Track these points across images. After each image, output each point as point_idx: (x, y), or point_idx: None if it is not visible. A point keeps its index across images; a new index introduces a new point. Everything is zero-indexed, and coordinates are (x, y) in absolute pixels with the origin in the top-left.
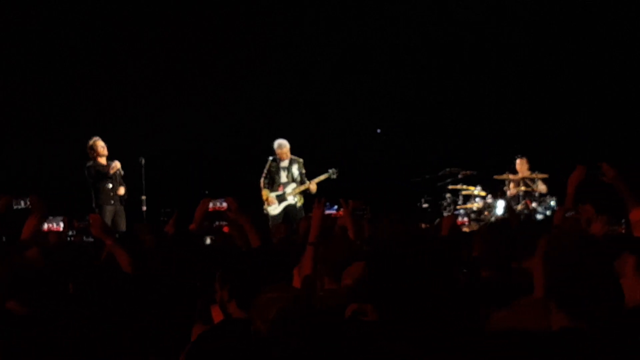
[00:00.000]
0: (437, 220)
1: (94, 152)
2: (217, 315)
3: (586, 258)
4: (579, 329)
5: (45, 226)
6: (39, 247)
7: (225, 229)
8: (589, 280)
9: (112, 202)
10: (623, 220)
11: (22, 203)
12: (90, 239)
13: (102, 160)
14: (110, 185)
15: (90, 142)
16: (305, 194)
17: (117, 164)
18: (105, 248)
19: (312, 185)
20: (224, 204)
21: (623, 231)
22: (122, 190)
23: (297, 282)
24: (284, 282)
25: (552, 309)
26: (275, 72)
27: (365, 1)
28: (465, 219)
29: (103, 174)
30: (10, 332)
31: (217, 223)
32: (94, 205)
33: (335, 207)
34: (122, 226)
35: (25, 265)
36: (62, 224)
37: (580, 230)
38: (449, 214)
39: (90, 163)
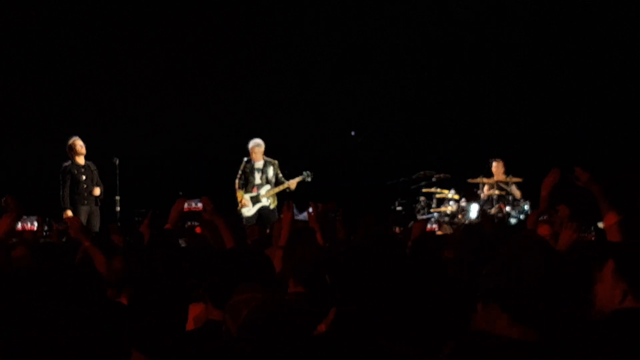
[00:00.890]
0: (411, 223)
1: (72, 152)
2: (194, 313)
3: (552, 267)
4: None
5: (19, 225)
6: (27, 246)
7: (198, 230)
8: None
9: (86, 202)
10: (593, 228)
11: None
12: (64, 240)
13: (80, 160)
14: (85, 186)
15: (70, 142)
16: (280, 194)
17: (67, 214)
18: (80, 249)
19: (292, 184)
20: (200, 205)
21: (593, 238)
22: (97, 191)
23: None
24: (256, 283)
25: (496, 313)
26: (253, 74)
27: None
28: (435, 225)
29: (77, 176)
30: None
31: (189, 223)
32: (63, 205)
33: (310, 210)
34: (97, 226)
35: (12, 265)
36: (36, 223)
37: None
38: (423, 217)
39: (67, 163)
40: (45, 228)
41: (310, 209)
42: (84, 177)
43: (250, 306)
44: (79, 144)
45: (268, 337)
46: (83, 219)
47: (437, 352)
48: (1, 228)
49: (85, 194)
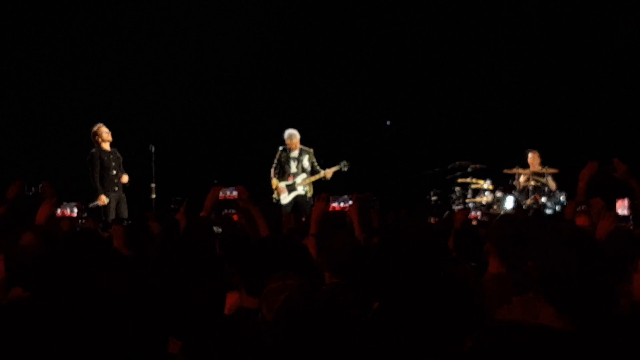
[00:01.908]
0: (446, 213)
1: (98, 138)
2: (230, 301)
3: (590, 256)
4: (565, 327)
5: (59, 211)
6: (35, 232)
7: (235, 218)
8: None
9: (116, 189)
10: (631, 217)
11: (34, 189)
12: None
13: (106, 146)
14: (114, 172)
15: (94, 128)
16: (316, 183)
17: (103, 199)
18: (116, 235)
19: (328, 174)
20: (235, 193)
21: (631, 227)
22: (125, 178)
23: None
24: (291, 272)
25: (542, 304)
26: (287, 63)
27: None
28: (478, 213)
29: (107, 163)
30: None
31: (225, 211)
32: (97, 191)
33: (350, 200)
34: (125, 213)
35: (22, 253)
36: (75, 210)
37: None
38: (458, 207)
39: (93, 150)
40: (85, 214)
41: (351, 200)
42: (113, 164)
43: (286, 293)
44: (105, 131)
45: (303, 323)
46: (112, 205)
47: (461, 344)
48: (41, 214)
49: (115, 181)
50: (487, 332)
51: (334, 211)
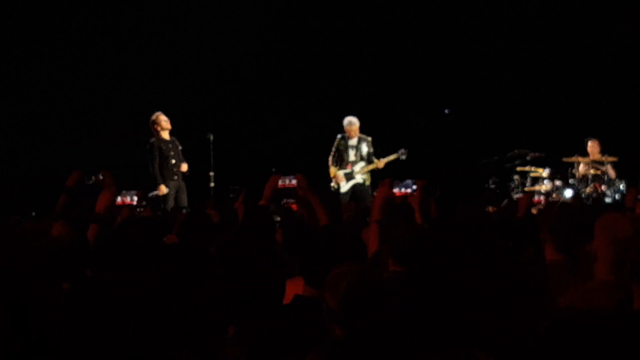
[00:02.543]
0: (505, 202)
1: (157, 127)
2: (290, 290)
3: None
4: None
5: (119, 199)
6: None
7: (294, 207)
8: None
9: (175, 177)
10: None
11: (93, 178)
12: (159, 213)
13: (165, 135)
14: (174, 161)
15: (153, 117)
16: (374, 170)
17: (162, 189)
18: (176, 223)
19: (380, 163)
20: (294, 181)
21: None
22: (185, 167)
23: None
24: (352, 261)
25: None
26: (346, 51)
27: None
28: (542, 197)
29: (166, 152)
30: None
31: (284, 201)
32: (157, 180)
33: (414, 187)
34: (185, 202)
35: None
36: (135, 198)
37: None
38: (517, 196)
39: (152, 139)
40: (144, 203)
41: (415, 186)
42: (172, 153)
43: (349, 279)
44: (164, 119)
45: (369, 310)
46: (171, 194)
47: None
48: (101, 203)
49: (174, 170)
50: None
51: (398, 197)
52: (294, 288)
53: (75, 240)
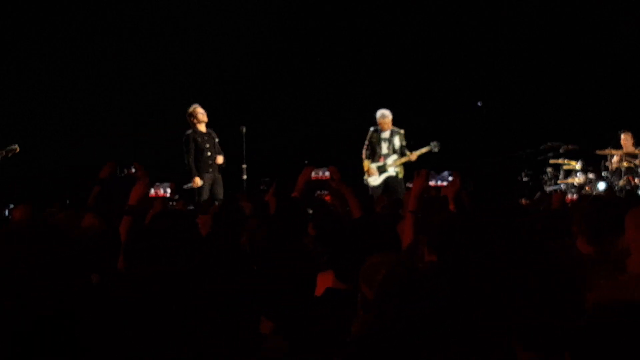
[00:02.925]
0: (538, 194)
1: (193, 119)
2: (321, 283)
3: None
4: None
5: (152, 192)
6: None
7: (327, 198)
8: None
9: (211, 170)
10: None
11: (126, 170)
12: (191, 207)
13: (202, 127)
14: (209, 154)
15: (190, 109)
16: (407, 164)
17: (197, 181)
18: (208, 215)
19: (413, 156)
20: (327, 173)
21: None
22: (220, 159)
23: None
24: (386, 253)
25: None
26: (379, 44)
27: None
28: (575, 196)
29: (201, 144)
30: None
31: (318, 192)
32: (191, 173)
33: (450, 177)
34: (220, 194)
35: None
36: (169, 190)
37: None
38: (550, 188)
39: (189, 132)
40: (176, 196)
41: (451, 177)
42: (207, 145)
43: (385, 269)
44: (200, 112)
45: (405, 299)
46: (207, 186)
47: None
48: (134, 195)
49: (210, 162)
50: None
51: (433, 189)
52: (324, 281)
53: (104, 231)
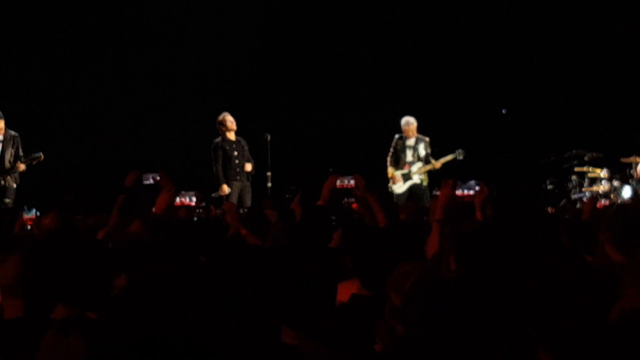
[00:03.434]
0: (563, 202)
1: (223, 127)
2: (344, 291)
3: None
4: None
5: (178, 200)
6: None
7: (354, 206)
8: None
9: (239, 177)
10: None
11: (151, 178)
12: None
13: (231, 136)
14: (237, 161)
15: (220, 118)
16: (431, 172)
17: (224, 189)
18: (231, 226)
19: (437, 164)
20: (352, 181)
21: None
22: (249, 167)
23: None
24: (414, 261)
25: None
26: (404, 50)
27: None
28: (607, 201)
29: (229, 152)
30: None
31: (345, 200)
32: (218, 180)
33: (477, 187)
34: (248, 202)
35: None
36: (194, 199)
37: None
38: (575, 196)
39: (218, 139)
40: (203, 204)
41: (477, 187)
42: (235, 153)
43: (413, 277)
44: (230, 120)
45: (433, 306)
46: (235, 194)
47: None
48: (161, 203)
49: (238, 170)
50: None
51: (459, 198)
52: (347, 290)
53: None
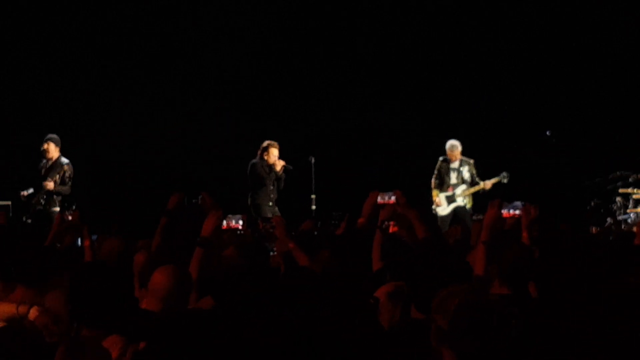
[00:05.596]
0: (608, 222)
1: (265, 154)
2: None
3: None
4: None
5: (225, 223)
6: (236, 246)
7: (392, 229)
8: None
9: (270, 203)
10: None
11: (194, 201)
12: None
13: (270, 160)
14: (271, 187)
15: (265, 144)
16: (476, 194)
17: (280, 162)
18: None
19: (488, 184)
20: (393, 198)
21: None
22: (279, 166)
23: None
24: (459, 283)
25: None
26: (451, 73)
27: None
28: None
29: (263, 176)
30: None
31: (385, 224)
32: (249, 203)
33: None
34: None
35: (223, 265)
36: (241, 222)
37: None
38: (619, 218)
39: (255, 160)
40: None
41: (523, 207)
42: (274, 181)
43: (458, 298)
44: (274, 154)
45: (479, 329)
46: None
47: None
48: (208, 227)
49: (271, 195)
50: None
51: (505, 219)
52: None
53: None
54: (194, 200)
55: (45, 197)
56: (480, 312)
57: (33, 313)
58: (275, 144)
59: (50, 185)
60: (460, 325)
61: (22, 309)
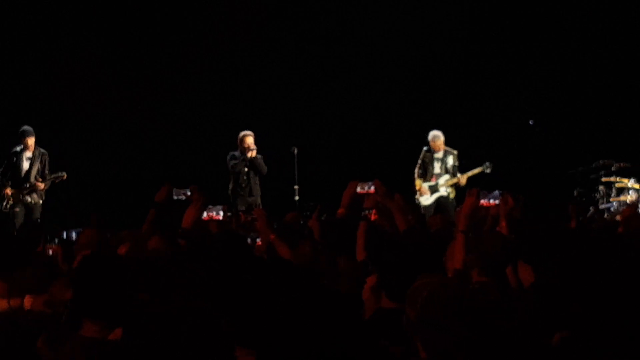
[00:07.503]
0: (590, 212)
1: (242, 144)
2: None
3: None
4: None
5: (205, 215)
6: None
7: (373, 217)
8: None
9: (242, 193)
10: None
11: (182, 194)
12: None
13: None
14: (244, 177)
15: (240, 135)
16: (458, 186)
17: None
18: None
19: (462, 179)
20: (372, 188)
21: None
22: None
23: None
24: (438, 274)
25: None
26: (428, 61)
27: None
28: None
29: (235, 165)
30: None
31: (365, 212)
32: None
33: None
34: None
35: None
36: (222, 213)
37: None
38: (602, 206)
39: (235, 152)
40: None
41: (500, 199)
42: (245, 170)
43: (428, 290)
44: (248, 142)
45: (446, 321)
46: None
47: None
48: (188, 218)
49: (243, 185)
50: None
51: (484, 208)
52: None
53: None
54: (182, 192)
55: (30, 192)
56: (450, 304)
57: (28, 301)
58: (250, 132)
59: (41, 186)
60: (427, 317)
61: (14, 302)
